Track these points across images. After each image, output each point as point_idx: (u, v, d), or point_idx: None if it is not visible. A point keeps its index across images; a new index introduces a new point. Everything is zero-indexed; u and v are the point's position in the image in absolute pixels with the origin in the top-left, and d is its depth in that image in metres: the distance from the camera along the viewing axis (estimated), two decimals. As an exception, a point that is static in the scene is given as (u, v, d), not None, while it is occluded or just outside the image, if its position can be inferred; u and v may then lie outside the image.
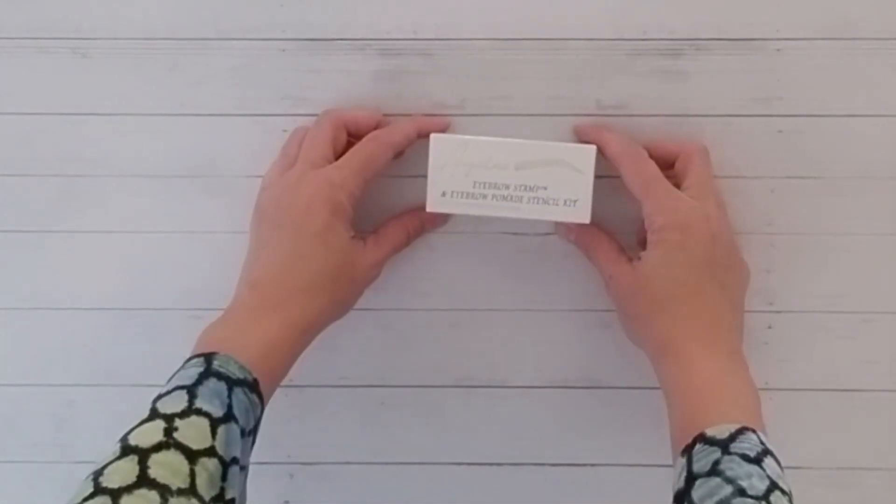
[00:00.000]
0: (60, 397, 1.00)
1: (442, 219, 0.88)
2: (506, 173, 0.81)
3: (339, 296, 0.78)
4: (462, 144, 0.81)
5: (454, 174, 0.81)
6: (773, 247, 0.95)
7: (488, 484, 0.99)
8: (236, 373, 0.67)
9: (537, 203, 0.82)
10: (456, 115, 0.92)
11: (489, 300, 0.95)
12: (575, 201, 0.82)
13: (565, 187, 0.82)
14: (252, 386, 0.67)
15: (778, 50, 0.92)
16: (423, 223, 0.87)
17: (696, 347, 0.74)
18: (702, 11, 0.91)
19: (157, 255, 0.97)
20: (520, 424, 0.98)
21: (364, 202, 0.84)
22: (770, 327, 0.96)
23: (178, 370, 0.69)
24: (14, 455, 1.00)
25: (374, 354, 0.98)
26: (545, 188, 0.82)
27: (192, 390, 0.65)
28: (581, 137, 0.89)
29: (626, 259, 0.81)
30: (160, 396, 0.67)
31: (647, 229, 0.77)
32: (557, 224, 0.92)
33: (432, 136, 0.82)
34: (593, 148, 0.81)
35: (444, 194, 0.79)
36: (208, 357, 0.68)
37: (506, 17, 0.91)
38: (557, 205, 0.82)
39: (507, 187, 0.81)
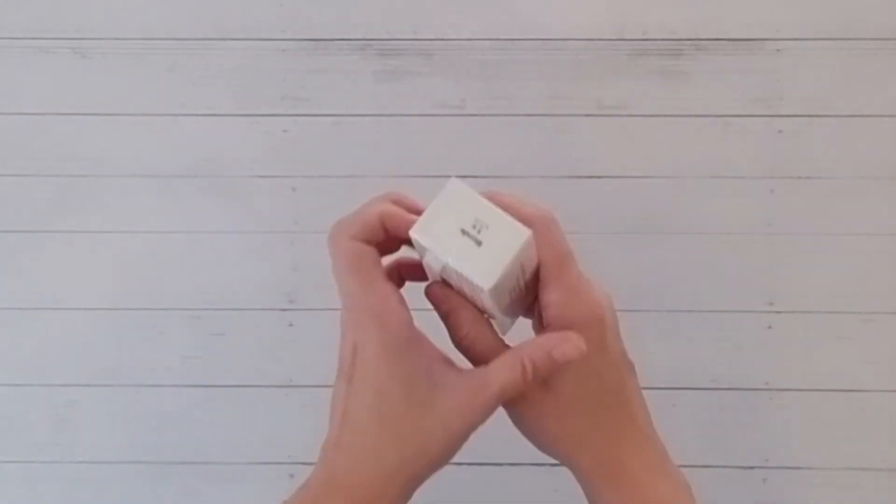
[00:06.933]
0: (60, 397, 1.00)
1: (580, 351, 0.57)
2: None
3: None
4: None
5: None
6: (773, 247, 0.95)
7: (488, 484, 0.99)
8: None
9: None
10: (456, 116, 0.92)
11: (489, 300, 0.95)
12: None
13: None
14: None
15: (778, 50, 0.92)
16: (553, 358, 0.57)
17: (638, 467, 0.63)
18: (702, 11, 0.91)
19: (157, 255, 0.97)
20: (520, 424, 0.98)
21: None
22: (770, 327, 0.96)
23: None
24: (14, 455, 1.00)
25: (374, 354, 0.98)
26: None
27: None
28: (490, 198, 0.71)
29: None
30: None
31: (551, 321, 0.58)
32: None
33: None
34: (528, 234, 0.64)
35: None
36: None
37: (506, 17, 0.91)
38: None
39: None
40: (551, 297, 0.58)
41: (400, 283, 0.62)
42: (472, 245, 0.55)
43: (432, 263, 0.57)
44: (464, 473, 0.99)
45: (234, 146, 0.94)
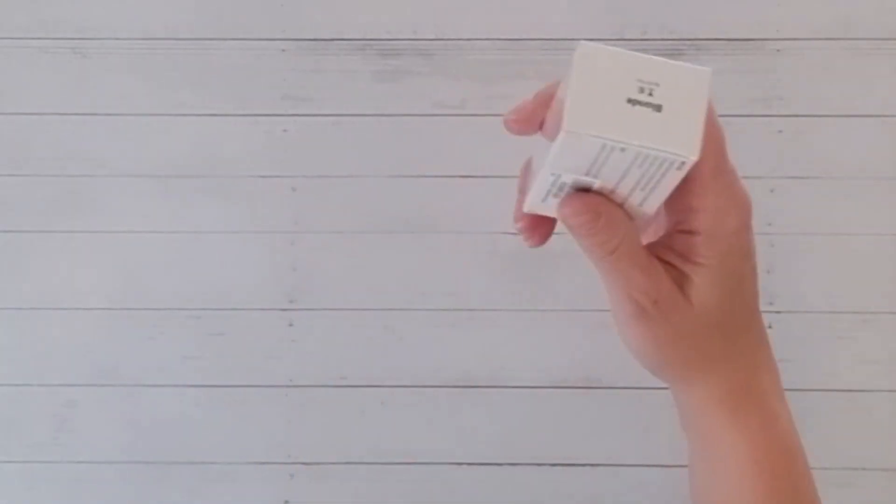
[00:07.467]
0: (60, 397, 1.00)
1: None
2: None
3: None
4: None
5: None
6: (773, 247, 0.95)
7: (488, 484, 0.99)
8: None
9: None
10: (456, 115, 0.92)
11: (489, 300, 0.95)
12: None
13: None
14: None
15: (778, 50, 0.92)
16: None
17: (766, 396, 0.57)
18: (702, 11, 0.91)
19: (157, 255, 0.97)
20: (520, 424, 0.98)
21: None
22: (770, 327, 0.96)
23: None
24: (14, 455, 1.00)
25: (374, 354, 0.98)
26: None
27: None
28: None
29: (665, 274, 0.50)
30: None
31: (704, 231, 0.48)
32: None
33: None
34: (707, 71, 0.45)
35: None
36: None
37: (506, 17, 0.91)
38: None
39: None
40: (706, 203, 0.46)
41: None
42: (651, 113, 0.41)
43: (576, 165, 0.43)
44: (464, 473, 0.99)
45: (234, 146, 0.94)
